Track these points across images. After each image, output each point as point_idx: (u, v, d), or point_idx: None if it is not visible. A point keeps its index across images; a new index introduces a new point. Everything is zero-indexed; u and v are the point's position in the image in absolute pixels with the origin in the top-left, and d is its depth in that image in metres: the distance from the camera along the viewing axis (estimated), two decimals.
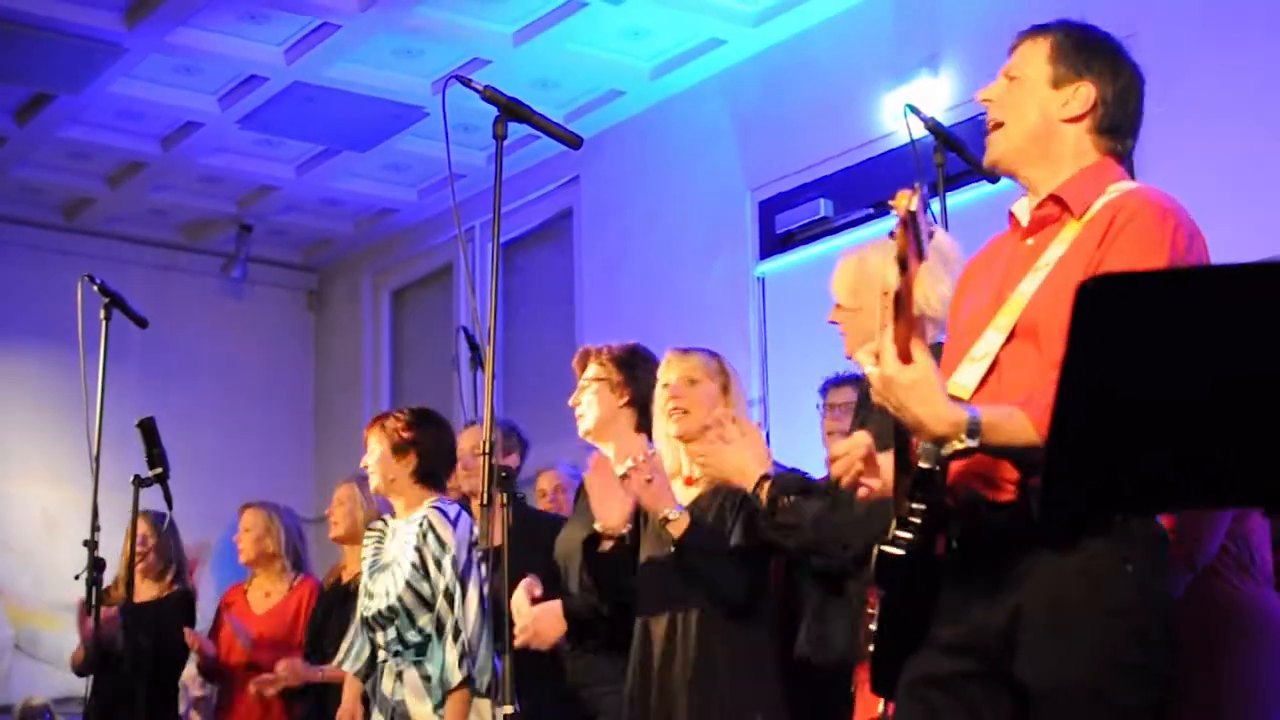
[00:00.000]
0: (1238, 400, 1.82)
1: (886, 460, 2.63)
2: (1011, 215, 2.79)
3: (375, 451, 4.75)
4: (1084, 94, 2.73)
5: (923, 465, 2.48)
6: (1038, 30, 2.80)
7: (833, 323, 3.60)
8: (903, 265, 2.33)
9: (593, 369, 4.42)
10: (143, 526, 6.46)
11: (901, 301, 2.35)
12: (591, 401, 4.38)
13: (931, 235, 2.40)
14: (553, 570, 4.52)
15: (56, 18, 7.17)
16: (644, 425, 4.39)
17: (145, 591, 6.18)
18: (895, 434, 2.53)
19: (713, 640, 3.91)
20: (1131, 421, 1.86)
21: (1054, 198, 2.69)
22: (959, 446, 2.40)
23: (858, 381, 5.07)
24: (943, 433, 2.40)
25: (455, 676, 4.44)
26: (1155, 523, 2.58)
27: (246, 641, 6.10)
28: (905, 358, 2.38)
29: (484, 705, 4.44)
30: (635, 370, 4.39)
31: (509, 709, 3.35)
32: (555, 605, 4.33)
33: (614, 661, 4.19)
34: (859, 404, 3.68)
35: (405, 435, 4.72)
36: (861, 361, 2.48)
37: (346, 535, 5.93)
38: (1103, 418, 1.87)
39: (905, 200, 2.32)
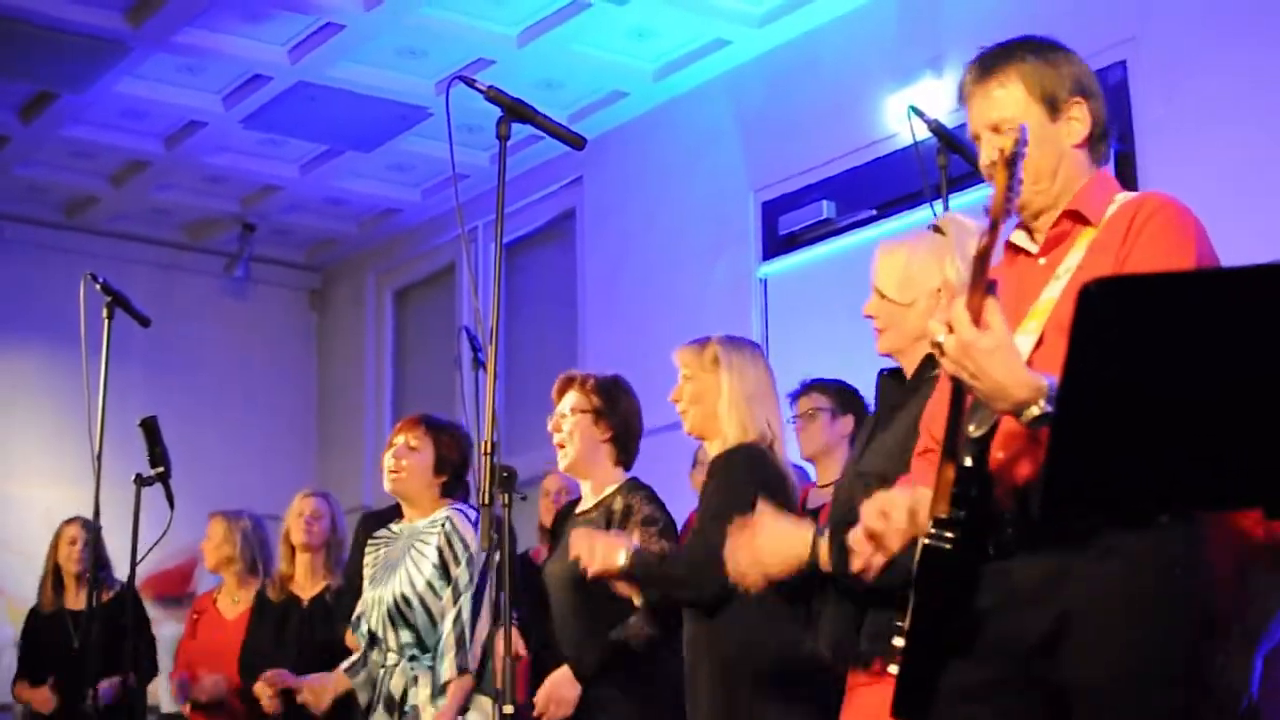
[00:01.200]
0: (1238, 402, 1.82)
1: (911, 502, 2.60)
2: (1008, 246, 2.74)
3: (419, 455, 4.68)
4: (1081, 112, 2.68)
5: (974, 433, 2.43)
6: (991, 73, 2.69)
7: (869, 317, 3.34)
8: (993, 222, 2.30)
9: (575, 397, 4.40)
10: (75, 531, 6.53)
11: (984, 262, 2.32)
12: (574, 435, 4.37)
13: (1018, 194, 2.37)
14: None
15: (61, 17, 7.18)
16: (622, 460, 4.40)
17: (83, 598, 6.19)
18: (950, 415, 2.48)
19: (730, 642, 3.91)
20: (1133, 423, 1.86)
21: (1070, 213, 2.66)
22: (1036, 413, 2.35)
23: (821, 387, 5.04)
24: (1024, 398, 2.36)
25: (448, 671, 4.42)
26: (1198, 523, 2.55)
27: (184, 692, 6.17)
28: (979, 324, 2.36)
29: (485, 702, 4.42)
30: (618, 404, 4.39)
31: (509, 709, 3.35)
32: (565, 673, 4.25)
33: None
34: (874, 424, 3.60)
35: (449, 451, 4.71)
36: (933, 331, 2.43)
37: (319, 546, 5.95)
38: (1104, 419, 1.87)
39: (1016, 139, 2.29)
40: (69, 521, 6.82)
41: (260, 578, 6.36)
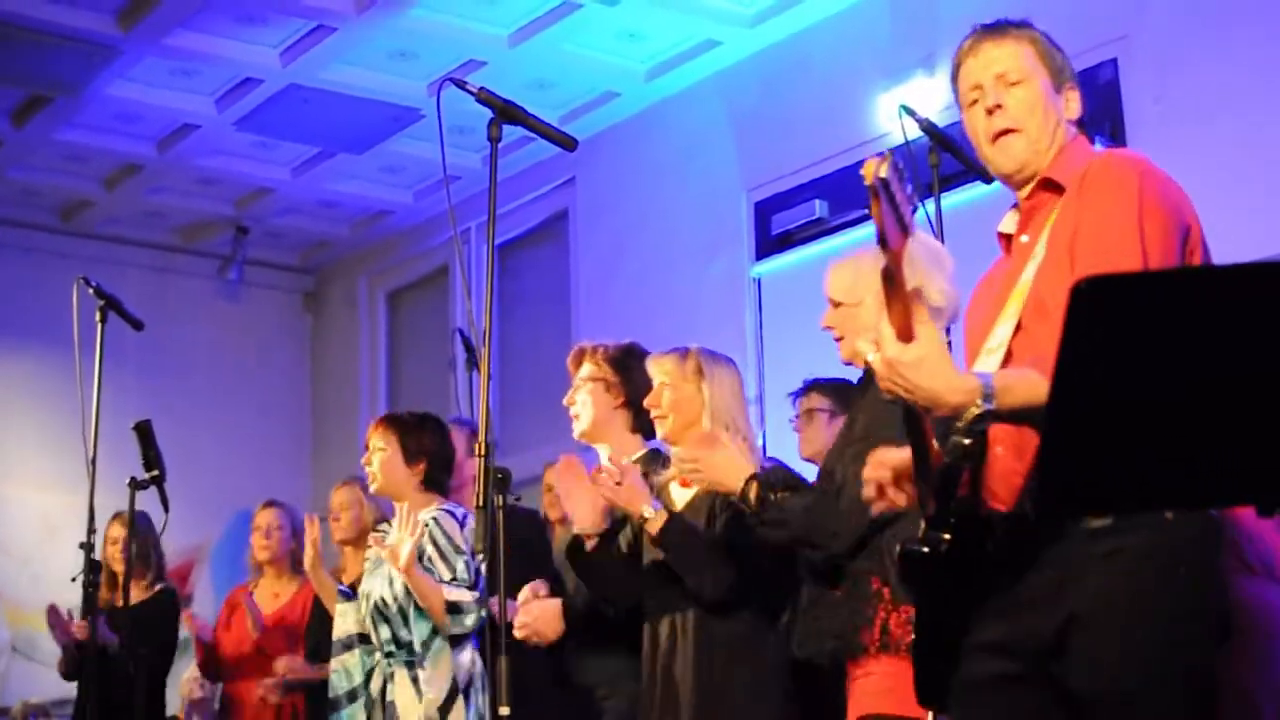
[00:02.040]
0: (1231, 399, 1.82)
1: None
2: (1001, 236, 2.77)
3: (385, 452, 4.71)
4: (1075, 96, 2.75)
5: (963, 438, 2.41)
6: (1004, 32, 2.74)
7: (827, 328, 3.52)
8: (882, 241, 2.28)
9: (587, 368, 4.41)
10: (120, 530, 6.49)
11: (892, 278, 2.31)
12: (586, 402, 4.37)
13: (915, 208, 2.34)
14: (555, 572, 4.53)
15: (52, 20, 7.17)
16: (639, 426, 4.39)
17: (131, 594, 6.16)
18: (908, 431, 2.47)
19: (712, 639, 3.90)
20: (1126, 420, 1.86)
21: (1044, 182, 2.67)
22: (976, 412, 2.35)
23: (821, 387, 5.06)
24: (958, 402, 2.35)
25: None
26: (1209, 518, 2.53)
27: (258, 623, 6.12)
28: (906, 337, 2.35)
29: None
30: (631, 370, 4.38)
31: (505, 710, 3.35)
32: (555, 604, 4.34)
33: (628, 662, 4.19)
34: (854, 412, 3.64)
35: (416, 440, 4.70)
36: (863, 352, 2.45)
37: (355, 538, 5.93)
38: (1097, 417, 1.87)
39: (874, 167, 2.25)
40: (113, 519, 6.75)
41: (301, 574, 6.35)
